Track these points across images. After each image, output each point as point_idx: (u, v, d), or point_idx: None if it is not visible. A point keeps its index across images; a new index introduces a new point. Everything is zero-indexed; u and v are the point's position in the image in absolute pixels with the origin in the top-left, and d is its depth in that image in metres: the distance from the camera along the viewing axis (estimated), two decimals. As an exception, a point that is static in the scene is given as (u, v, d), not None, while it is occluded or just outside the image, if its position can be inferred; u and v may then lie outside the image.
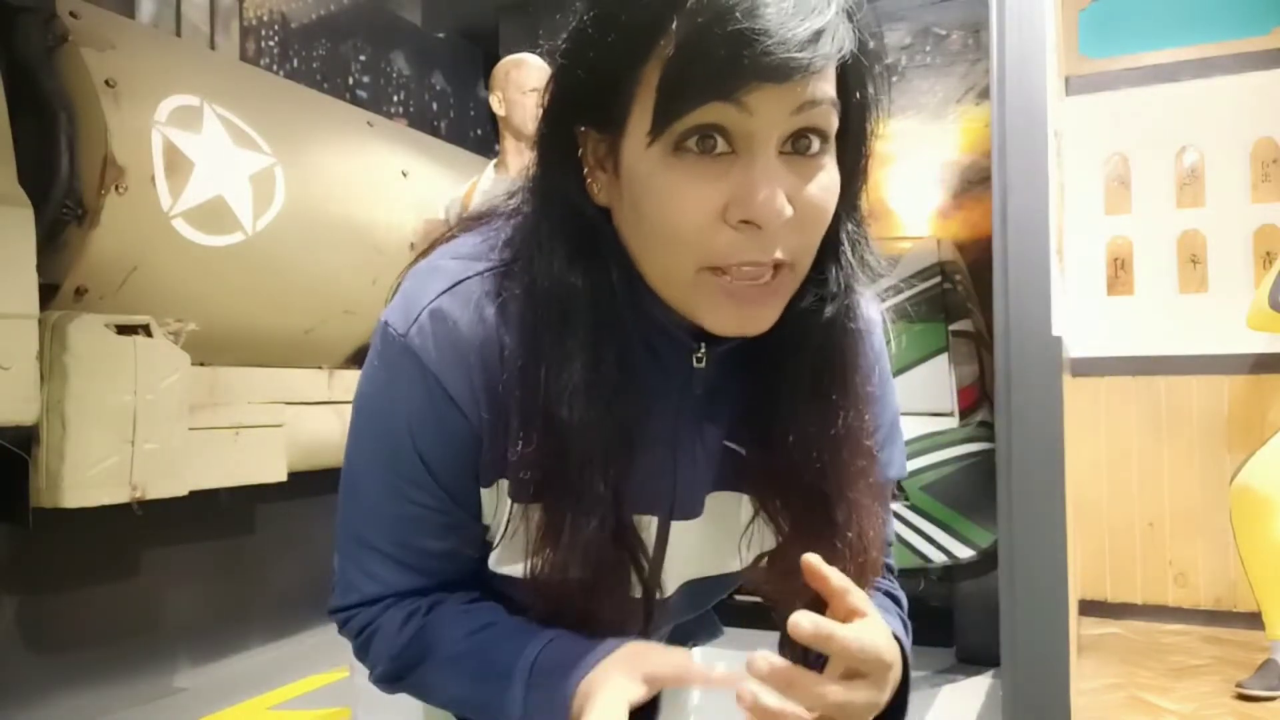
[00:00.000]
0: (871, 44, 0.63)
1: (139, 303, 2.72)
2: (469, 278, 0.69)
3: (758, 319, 0.63)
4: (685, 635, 0.96)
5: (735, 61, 0.55)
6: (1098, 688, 2.86)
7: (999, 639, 2.26)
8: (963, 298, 3.66)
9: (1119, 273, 3.83)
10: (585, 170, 0.65)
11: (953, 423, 3.31)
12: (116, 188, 2.58)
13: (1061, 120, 3.28)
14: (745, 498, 0.76)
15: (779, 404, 0.70)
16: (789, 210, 0.59)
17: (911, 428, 3.31)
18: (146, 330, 2.65)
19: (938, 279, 3.69)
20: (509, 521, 0.71)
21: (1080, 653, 3.19)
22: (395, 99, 4.70)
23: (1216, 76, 3.70)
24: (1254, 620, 2.96)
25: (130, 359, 2.58)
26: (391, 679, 0.75)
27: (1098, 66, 3.89)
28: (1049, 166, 2.25)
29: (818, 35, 0.56)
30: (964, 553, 3.13)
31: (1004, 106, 2.27)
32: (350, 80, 4.42)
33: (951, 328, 3.49)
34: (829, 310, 0.68)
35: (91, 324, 2.51)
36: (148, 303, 2.73)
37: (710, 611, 0.99)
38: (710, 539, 0.76)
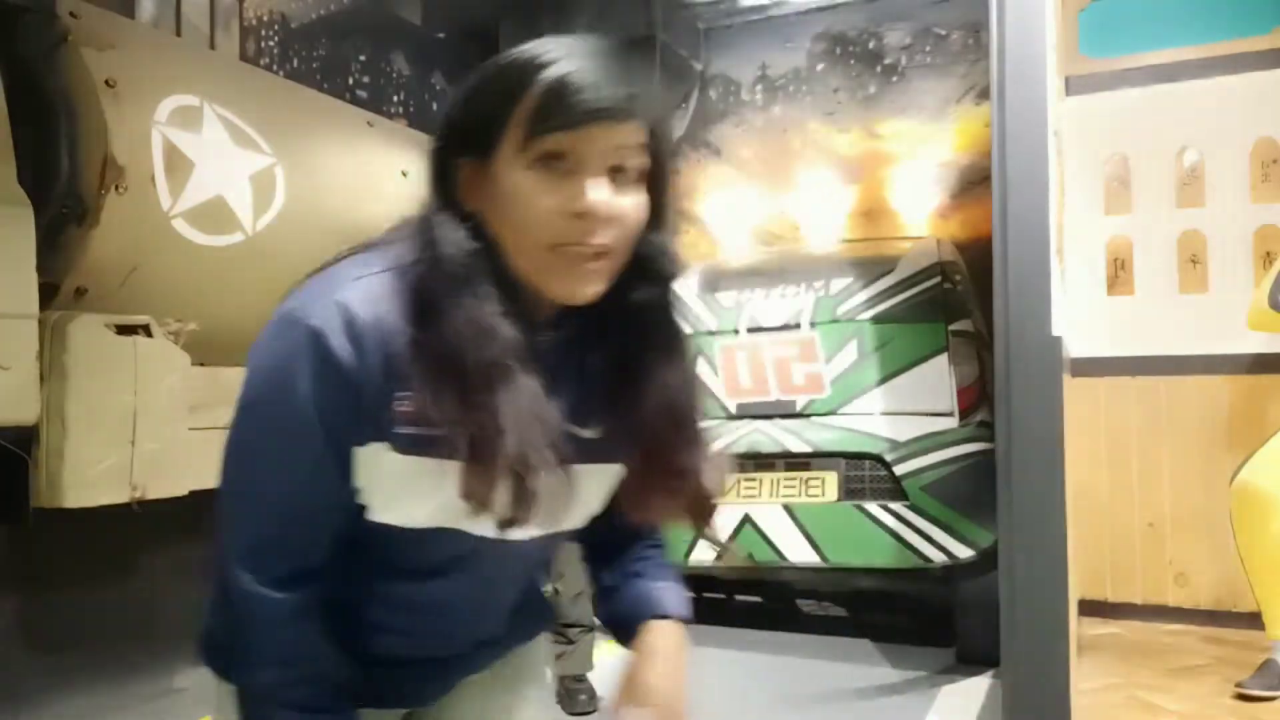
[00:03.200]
0: (664, 117, 0.93)
1: (139, 303, 2.71)
2: (366, 276, 0.87)
3: (587, 289, 0.87)
4: (517, 620, 1.10)
5: (577, 108, 0.83)
6: (1098, 688, 2.86)
7: (999, 639, 2.26)
8: (963, 298, 3.66)
9: (1119, 273, 3.83)
10: (460, 188, 0.90)
11: (953, 423, 3.31)
12: (116, 188, 2.58)
13: (1061, 120, 3.28)
14: (600, 461, 0.96)
15: (623, 375, 0.94)
16: (605, 210, 0.85)
17: (911, 428, 3.32)
18: (146, 330, 2.65)
19: (938, 279, 3.69)
20: (390, 476, 0.86)
21: (1080, 653, 3.19)
22: (395, 99, 4.70)
23: (1216, 76, 3.70)
24: (1254, 620, 2.96)
25: (130, 359, 2.57)
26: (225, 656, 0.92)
27: (1098, 66, 3.89)
28: (1049, 166, 2.25)
29: (631, 99, 0.85)
30: (964, 553, 3.13)
31: (1004, 106, 2.27)
32: (350, 80, 4.42)
33: (951, 328, 3.49)
34: (655, 292, 0.94)
35: (91, 324, 2.51)
36: (148, 303, 2.73)
37: (542, 598, 1.17)
38: (569, 487, 0.91)
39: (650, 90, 0.89)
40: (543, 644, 1.19)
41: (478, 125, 0.88)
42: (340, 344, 0.83)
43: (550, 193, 0.85)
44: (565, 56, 0.86)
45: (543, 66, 0.85)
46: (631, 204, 0.88)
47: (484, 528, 0.88)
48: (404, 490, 0.87)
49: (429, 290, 0.85)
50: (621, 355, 0.94)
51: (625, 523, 1.03)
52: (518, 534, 0.89)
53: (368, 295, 0.85)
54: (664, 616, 1.10)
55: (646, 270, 0.92)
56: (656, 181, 0.90)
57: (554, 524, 0.92)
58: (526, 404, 0.85)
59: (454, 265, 0.85)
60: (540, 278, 0.87)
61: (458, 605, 0.99)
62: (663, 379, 0.94)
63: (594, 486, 0.97)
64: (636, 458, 0.96)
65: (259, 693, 0.89)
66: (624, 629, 1.10)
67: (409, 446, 0.85)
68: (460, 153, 0.90)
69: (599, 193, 0.85)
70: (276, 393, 0.86)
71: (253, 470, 0.90)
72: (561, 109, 0.83)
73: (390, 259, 0.89)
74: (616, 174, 0.87)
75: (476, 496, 0.83)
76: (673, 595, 1.12)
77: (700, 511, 0.99)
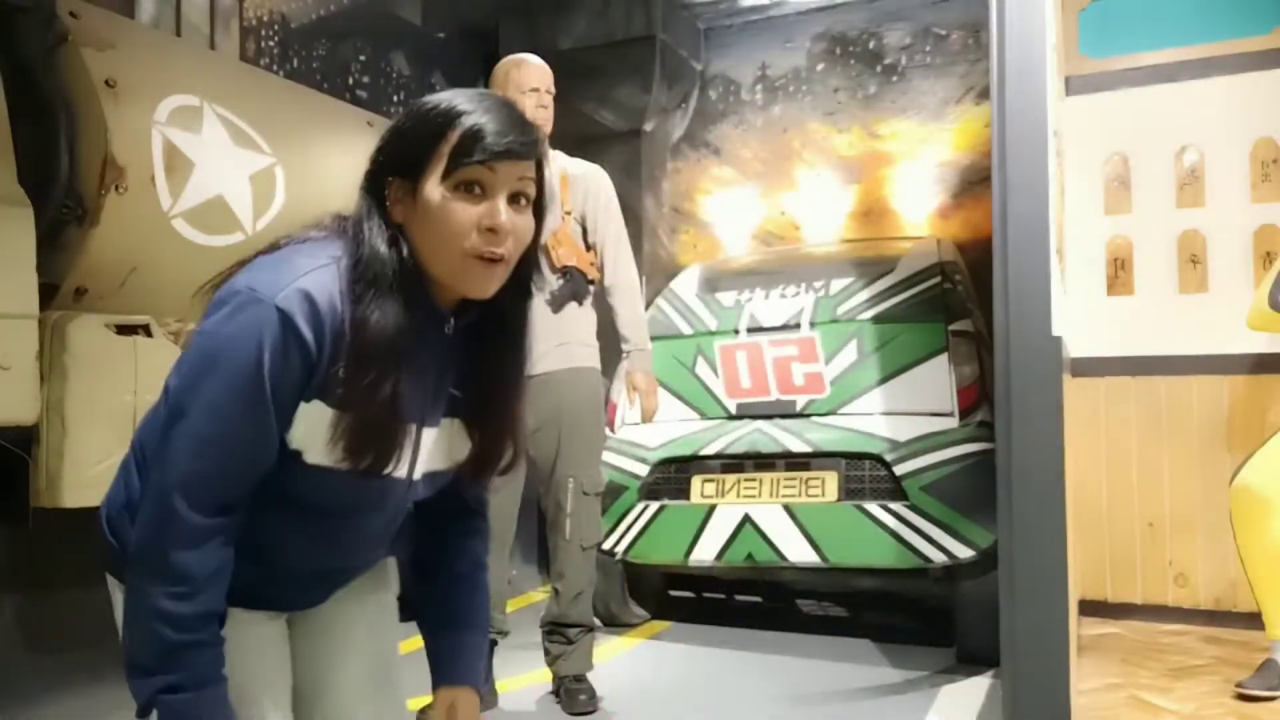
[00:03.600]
0: (545, 157, 1.18)
1: (139, 303, 2.72)
2: (318, 268, 1.08)
3: (489, 287, 1.13)
4: (385, 548, 1.40)
5: (492, 148, 1.09)
6: (1098, 688, 2.86)
7: (999, 639, 2.26)
8: (963, 298, 3.66)
9: (1119, 273, 3.83)
10: (388, 203, 1.13)
11: (953, 423, 3.31)
12: (116, 188, 2.58)
13: (1061, 120, 3.28)
14: (458, 421, 1.24)
15: (484, 363, 1.22)
16: (508, 226, 1.10)
17: (911, 428, 3.32)
18: (146, 330, 2.65)
19: (938, 279, 3.69)
20: (326, 425, 1.08)
21: (1080, 653, 3.19)
22: (395, 99, 4.70)
23: (1216, 76, 3.70)
24: (1254, 620, 2.96)
25: (130, 359, 2.58)
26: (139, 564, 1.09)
27: (1098, 66, 3.89)
28: (1049, 166, 2.25)
29: (532, 143, 1.13)
30: (964, 553, 3.13)
31: (1004, 106, 2.27)
32: (350, 80, 4.42)
33: (951, 328, 3.49)
34: (521, 302, 1.22)
35: (91, 324, 2.52)
36: (148, 303, 2.73)
37: (402, 530, 1.37)
38: (441, 444, 1.23)
39: (539, 135, 1.15)
40: (390, 561, 1.47)
41: (409, 156, 1.12)
42: (304, 326, 1.04)
43: (467, 211, 1.09)
44: (479, 108, 1.11)
45: (464, 114, 1.10)
46: (523, 222, 1.14)
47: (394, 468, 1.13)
48: (334, 436, 1.09)
49: (364, 284, 1.08)
50: (492, 338, 1.22)
51: (458, 488, 1.33)
52: (401, 474, 1.16)
53: (321, 285, 1.07)
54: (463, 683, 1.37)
55: (521, 278, 1.19)
56: (538, 207, 1.18)
57: (429, 466, 1.22)
58: (416, 377, 1.12)
59: (382, 265, 1.09)
60: (454, 279, 1.12)
61: (352, 532, 1.24)
62: (515, 359, 1.25)
63: (459, 436, 1.25)
64: (481, 413, 1.25)
65: (141, 595, 1.07)
66: (429, 649, 1.39)
67: (341, 404, 1.09)
68: (391, 176, 1.13)
69: (504, 213, 1.10)
70: (242, 358, 1.03)
71: (208, 418, 1.05)
72: (480, 148, 1.09)
73: (332, 253, 1.11)
74: (514, 199, 1.13)
75: (365, 444, 1.09)
76: (471, 658, 1.38)
77: (496, 463, 1.28)
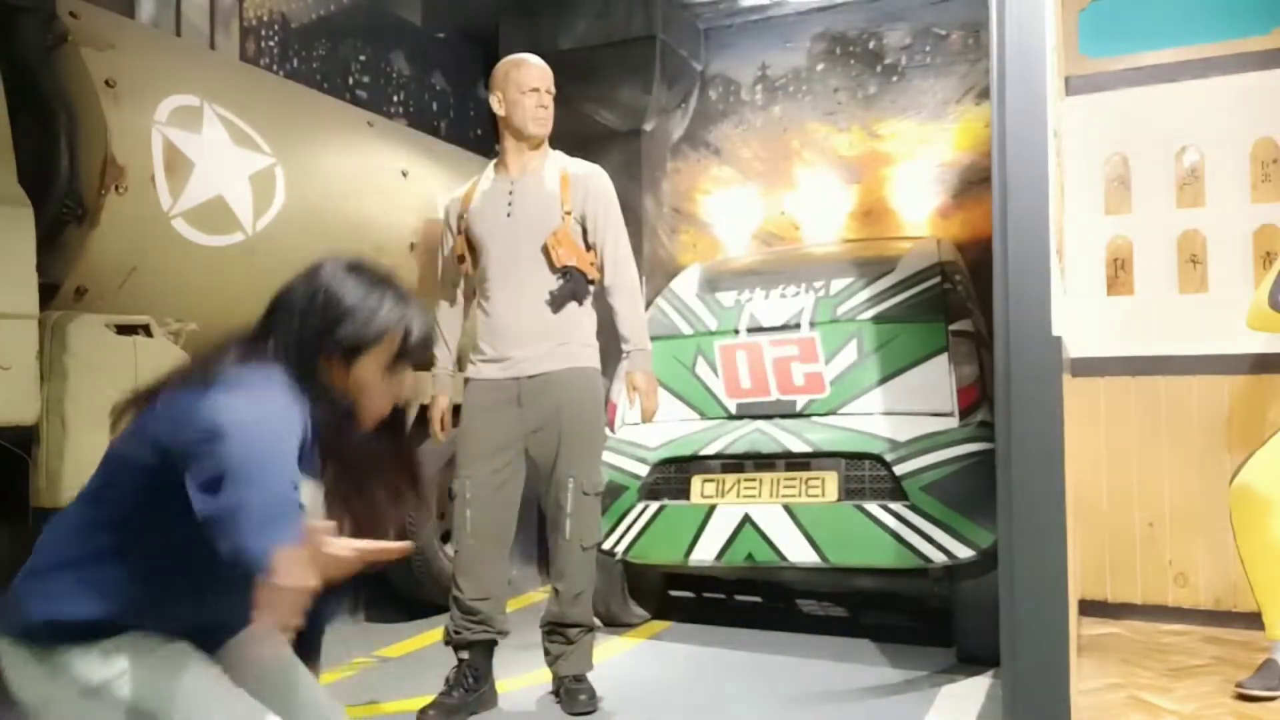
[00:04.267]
0: None
1: (139, 303, 2.72)
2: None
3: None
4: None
5: (419, 350, 1.54)
6: (1098, 688, 2.86)
7: (999, 639, 2.26)
8: (963, 298, 3.66)
9: (1119, 273, 3.83)
10: (325, 370, 1.45)
11: (953, 423, 3.31)
12: (116, 188, 2.58)
13: (1061, 120, 3.28)
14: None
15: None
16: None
17: (911, 428, 3.32)
18: (146, 330, 2.65)
19: (938, 279, 3.69)
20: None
21: (1080, 653, 3.19)
22: (395, 99, 4.71)
23: (1216, 76, 3.70)
24: (1254, 620, 2.95)
25: (130, 359, 2.58)
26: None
27: (1098, 66, 3.89)
28: (1049, 166, 2.25)
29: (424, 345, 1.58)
30: (964, 553, 3.13)
31: (1004, 106, 2.27)
32: (350, 80, 4.42)
33: (951, 328, 3.49)
34: (395, 428, 1.63)
35: (91, 324, 2.52)
36: (148, 303, 2.73)
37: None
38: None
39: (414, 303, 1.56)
40: None
41: (352, 345, 1.46)
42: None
43: (391, 387, 1.51)
44: (415, 324, 1.53)
45: (406, 327, 1.50)
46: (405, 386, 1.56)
47: None
48: None
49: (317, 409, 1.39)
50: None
51: None
52: None
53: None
54: None
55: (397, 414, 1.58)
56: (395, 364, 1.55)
57: None
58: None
59: (320, 399, 1.41)
60: (367, 418, 1.50)
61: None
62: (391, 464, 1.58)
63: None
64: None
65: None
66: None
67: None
68: (331, 355, 1.45)
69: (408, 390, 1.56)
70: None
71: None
72: (409, 351, 1.50)
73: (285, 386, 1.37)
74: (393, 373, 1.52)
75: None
76: None
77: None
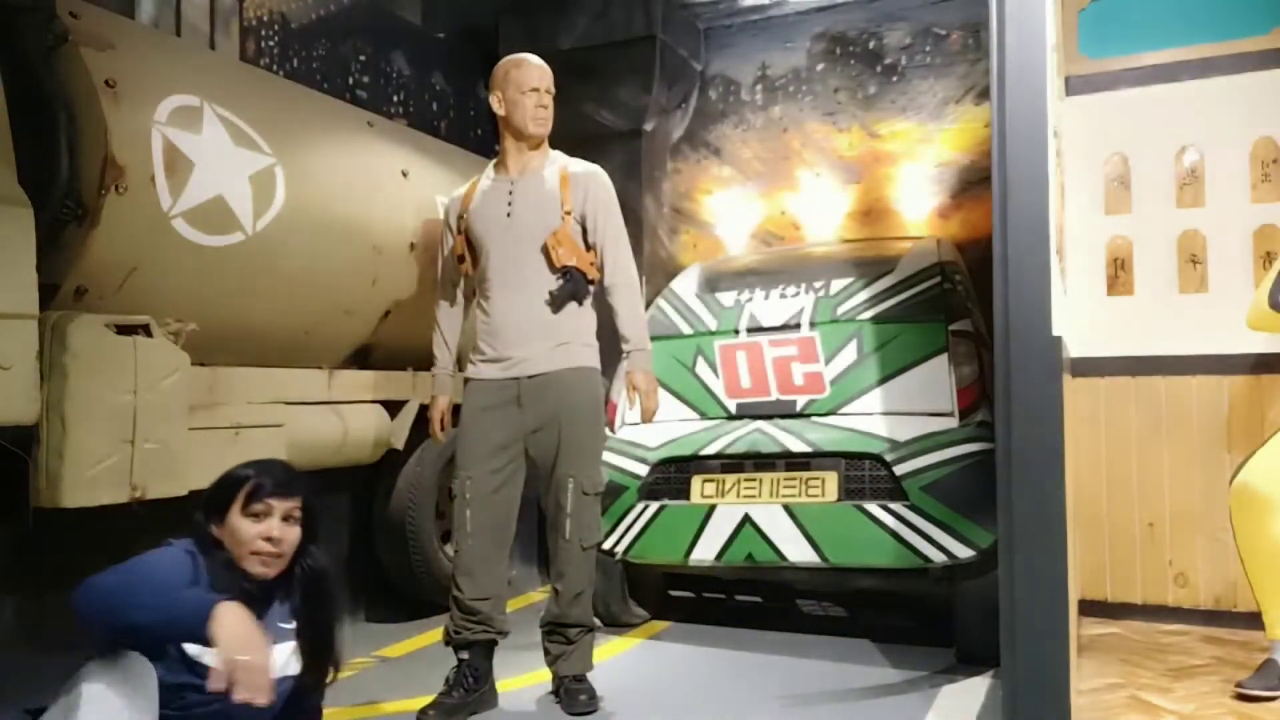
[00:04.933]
0: (309, 496, 1.93)
1: (139, 303, 2.71)
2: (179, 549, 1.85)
3: (269, 572, 1.89)
4: None
5: (265, 494, 1.86)
6: (1098, 688, 2.86)
7: (999, 639, 2.26)
8: (963, 298, 3.66)
9: (1119, 273, 3.83)
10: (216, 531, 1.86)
11: (953, 423, 3.31)
12: (116, 188, 2.58)
13: (1061, 120, 3.28)
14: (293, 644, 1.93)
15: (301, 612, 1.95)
16: (280, 535, 1.86)
17: (911, 428, 3.32)
18: (146, 330, 2.65)
19: (938, 279, 3.69)
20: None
21: (1080, 653, 3.19)
22: (395, 99, 4.71)
23: (1216, 76, 3.70)
24: (1254, 620, 2.96)
25: (130, 359, 2.58)
26: None
27: (1098, 66, 3.89)
28: (1049, 166, 2.25)
29: (293, 489, 1.90)
30: (964, 553, 3.13)
31: (1004, 106, 2.27)
32: (350, 80, 4.42)
33: (951, 328, 3.49)
34: (308, 570, 1.98)
35: (91, 324, 2.51)
36: (148, 303, 2.73)
37: None
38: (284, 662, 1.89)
39: (303, 482, 1.90)
40: None
41: (221, 504, 1.84)
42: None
43: (254, 529, 1.82)
44: (259, 471, 1.86)
45: (249, 476, 1.85)
46: (294, 533, 1.86)
47: None
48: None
49: (210, 561, 1.81)
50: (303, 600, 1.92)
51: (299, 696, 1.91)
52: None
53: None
54: None
55: (304, 564, 1.91)
56: (305, 525, 1.88)
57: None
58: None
59: (216, 556, 1.82)
60: (248, 566, 1.82)
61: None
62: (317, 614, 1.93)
63: (287, 655, 1.85)
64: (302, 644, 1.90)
65: None
66: None
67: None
68: (211, 517, 1.85)
69: (279, 528, 1.83)
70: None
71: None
72: (260, 495, 1.82)
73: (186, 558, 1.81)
74: (286, 519, 1.84)
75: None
76: None
77: (319, 680, 1.97)
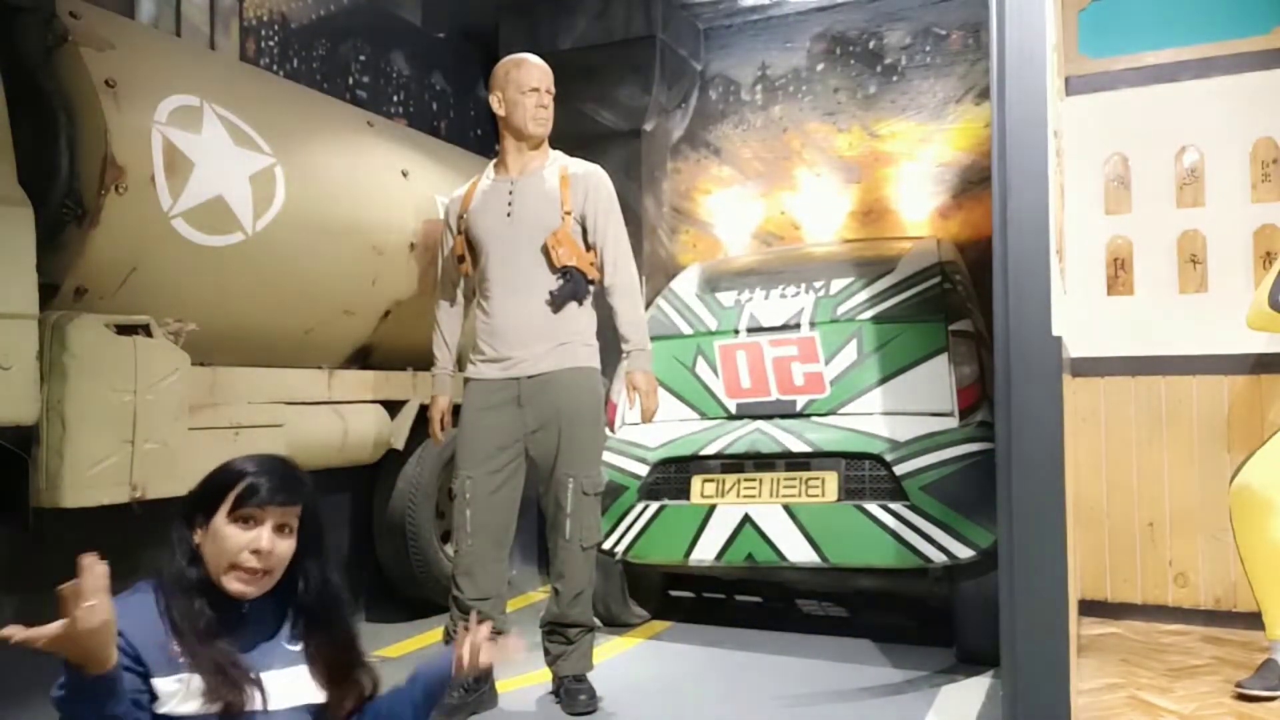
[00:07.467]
0: (314, 501, 1.64)
1: (139, 303, 2.71)
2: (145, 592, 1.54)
3: (249, 590, 1.57)
4: None
5: (261, 496, 1.53)
6: (1098, 688, 2.86)
7: (999, 639, 2.26)
8: (963, 298, 3.66)
9: (1119, 273, 3.83)
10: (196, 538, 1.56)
11: (953, 423, 3.31)
12: (116, 188, 2.58)
13: (1061, 120, 3.28)
14: (305, 668, 1.66)
15: (311, 631, 1.67)
16: (269, 548, 1.55)
17: (911, 428, 3.32)
18: (146, 330, 2.65)
19: (938, 279, 3.69)
20: (172, 695, 1.47)
21: (1080, 653, 3.19)
22: (395, 99, 4.71)
23: (1216, 76, 3.70)
24: (1254, 620, 2.96)
25: (130, 359, 2.57)
26: None
27: (1098, 66, 3.89)
28: (1049, 166, 2.25)
29: (293, 495, 1.57)
30: (964, 553, 3.13)
31: (1004, 106, 2.27)
32: (350, 80, 4.42)
33: (951, 328, 3.49)
34: (310, 586, 1.67)
35: (91, 324, 2.51)
36: (148, 303, 2.73)
37: None
38: (290, 686, 1.60)
39: (306, 486, 1.60)
40: None
41: (207, 504, 1.55)
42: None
43: (241, 537, 1.52)
44: (256, 470, 1.56)
45: (244, 474, 1.55)
46: (286, 546, 1.57)
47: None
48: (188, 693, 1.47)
49: (174, 592, 1.51)
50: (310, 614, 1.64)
51: None
52: (256, 706, 1.52)
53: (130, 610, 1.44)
54: None
55: (300, 574, 1.62)
56: (304, 535, 1.60)
57: (282, 704, 1.55)
58: (220, 647, 1.50)
59: (185, 581, 1.52)
60: (225, 582, 1.53)
61: None
62: (331, 627, 1.66)
63: (300, 682, 1.59)
64: (314, 665, 1.62)
65: None
66: None
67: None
68: (195, 519, 1.56)
69: (269, 540, 1.53)
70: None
71: None
72: (253, 498, 1.53)
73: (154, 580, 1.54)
74: (279, 529, 1.55)
75: (209, 697, 1.46)
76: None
77: (340, 702, 1.65)
